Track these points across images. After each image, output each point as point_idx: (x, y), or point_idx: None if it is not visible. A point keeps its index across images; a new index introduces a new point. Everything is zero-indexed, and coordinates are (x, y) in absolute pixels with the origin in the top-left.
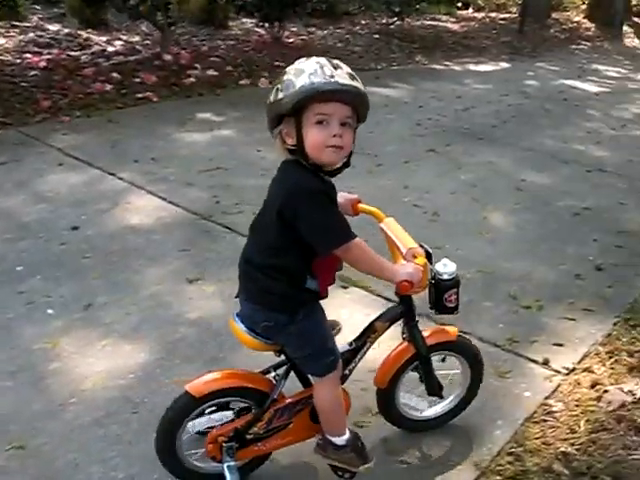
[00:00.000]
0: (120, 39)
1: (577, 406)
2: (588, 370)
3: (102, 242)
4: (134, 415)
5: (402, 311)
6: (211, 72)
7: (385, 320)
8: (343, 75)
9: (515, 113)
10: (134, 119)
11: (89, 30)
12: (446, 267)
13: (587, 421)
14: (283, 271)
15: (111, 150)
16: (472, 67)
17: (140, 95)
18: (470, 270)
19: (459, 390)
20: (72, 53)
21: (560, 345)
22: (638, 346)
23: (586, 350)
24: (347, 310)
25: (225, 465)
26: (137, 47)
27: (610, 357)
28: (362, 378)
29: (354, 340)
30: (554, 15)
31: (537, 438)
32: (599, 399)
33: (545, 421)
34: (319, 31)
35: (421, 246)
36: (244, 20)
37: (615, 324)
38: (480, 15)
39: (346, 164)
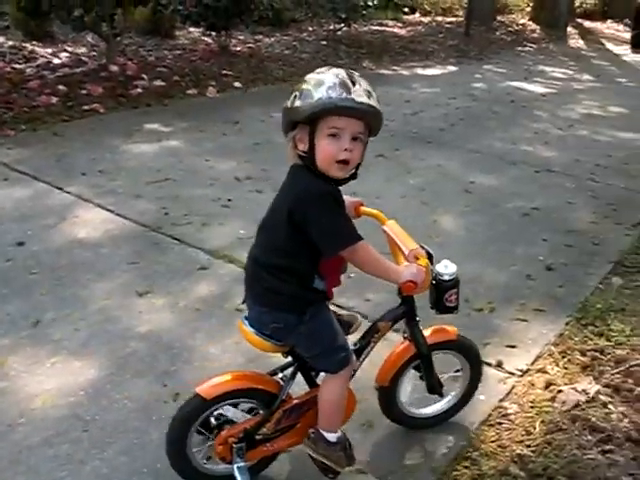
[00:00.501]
0: (66, 51)
1: (532, 407)
2: (542, 371)
3: (49, 257)
4: (85, 433)
5: (404, 311)
6: (158, 82)
7: (388, 320)
8: (360, 92)
9: (463, 116)
10: (81, 132)
11: (34, 42)
12: (447, 268)
13: (542, 422)
14: (292, 272)
15: (57, 164)
16: (420, 71)
17: (87, 107)
18: None
19: (458, 388)
20: (17, 66)
21: (513, 347)
22: (590, 345)
23: (539, 351)
24: None
25: (235, 466)
26: (83, 59)
27: (563, 357)
28: None
29: (358, 340)
30: (499, 18)
31: (493, 441)
32: (553, 399)
33: (500, 424)
34: (266, 39)
35: (422, 247)
36: (191, 29)
37: (567, 324)
38: (427, 19)
39: (353, 176)
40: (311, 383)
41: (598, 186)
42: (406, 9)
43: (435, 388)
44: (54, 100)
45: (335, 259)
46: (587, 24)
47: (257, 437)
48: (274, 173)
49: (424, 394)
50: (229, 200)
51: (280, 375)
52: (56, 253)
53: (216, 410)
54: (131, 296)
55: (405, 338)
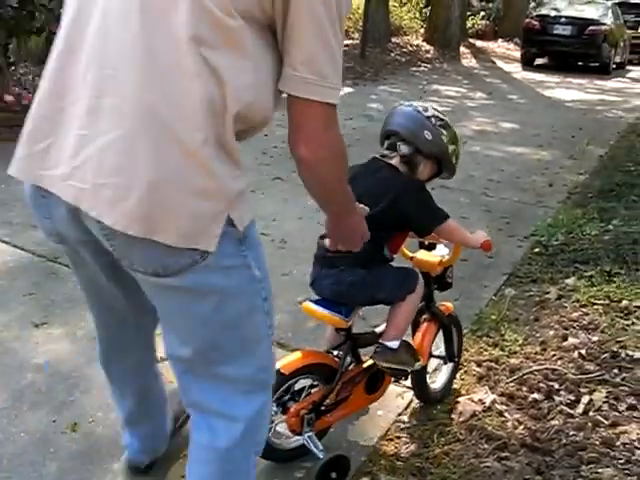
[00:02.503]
0: None
1: (430, 420)
2: None
3: None
4: None
5: (426, 293)
6: None
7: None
8: None
9: (360, 136)
10: None
11: None
12: (445, 250)
13: (440, 434)
14: (374, 242)
15: None
16: None
17: None
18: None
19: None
20: None
21: None
22: (485, 356)
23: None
24: None
25: (306, 435)
26: None
27: (460, 369)
28: None
29: None
30: (394, 39)
31: (391, 455)
32: (451, 411)
33: (399, 437)
34: None
35: None
36: None
37: (463, 336)
38: None
39: None
40: (358, 359)
41: (491, 200)
42: None
43: (454, 354)
44: None
45: (402, 236)
46: (479, 43)
47: (322, 408)
48: None
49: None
50: None
51: (335, 353)
52: None
53: (290, 384)
54: (28, 327)
55: (424, 320)
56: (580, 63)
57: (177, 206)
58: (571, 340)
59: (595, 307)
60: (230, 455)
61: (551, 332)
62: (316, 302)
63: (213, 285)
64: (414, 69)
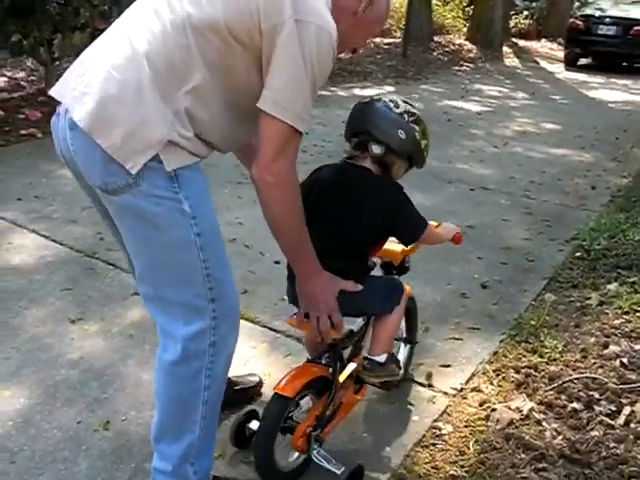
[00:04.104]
0: (4, 75)
1: (466, 427)
2: (476, 390)
3: None
4: (11, 465)
5: None
6: None
7: None
8: None
9: None
10: (17, 156)
11: None
12: None
13: (476, 442)
14: (361, 255)
15: None
16: (358, 92)
17: (24, 132)
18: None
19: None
20: None
21: (447, 366)
22: (524, 362)
23: (473, 369)
24: None
25: (315, 452)
26: (22, 83)
27: (497, 375)
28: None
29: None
30: (436, 38)
31: (426, 463)
32: (487, 418)
33: (434, 445)
34: None
35: None
36: None
37: (501, 341)
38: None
39: None
40: (343, 363)
41: (532, 202)
42: None
43: (414, 337)
44: None
45: (383, 242)
46: (522, 43)
47: (323, 421)
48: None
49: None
50: None
51: (323, 362)
52: None
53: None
54: (64, 323)
55: None
56: (625, 64)
57: (121, 120)
58: (612, 348)
59: (638, 314)
60: (174, 369)
61: (592, 339)
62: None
63: (146, 210)
64: (456, 68)
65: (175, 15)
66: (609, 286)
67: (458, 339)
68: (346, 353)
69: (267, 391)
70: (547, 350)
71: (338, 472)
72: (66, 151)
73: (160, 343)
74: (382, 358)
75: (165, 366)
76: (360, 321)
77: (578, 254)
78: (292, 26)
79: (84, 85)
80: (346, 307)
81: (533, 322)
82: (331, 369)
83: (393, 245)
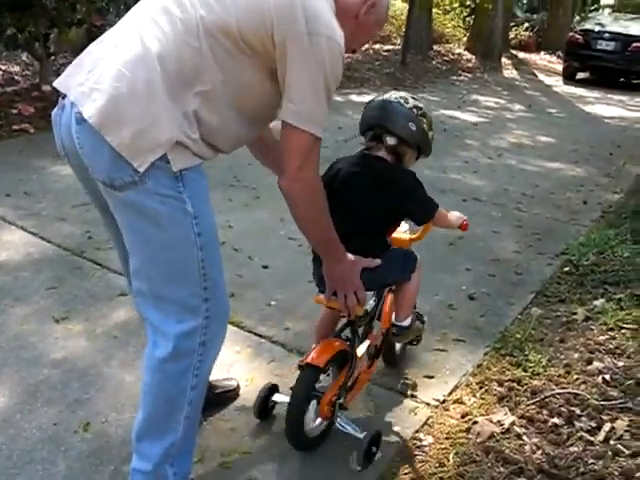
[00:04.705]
0: None
1: (447, 439)
2: (458, 402)
3: None
4: None
5: None
6: None
7: None
8: None
9: None
10: (8, 152)
11: None
12: (405, 226)
13: (456, 454)
14: (383, 234)
15: None
16: (354, 98)
17: (16, 127)
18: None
19: None
20: None
21: (431, 377)
22: (508, 375)
23: (457, 381)
24: None
25: (339, 420)
26: (16, 77)
27: (480, 387)
28: (231, 418)
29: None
30: (436, 47)
31: (406, 474)
32: (468, 431)
33: (415, 456)
34: None
35: None
36: None
37: (486, 354)
38: (365, 47)
39: None
40: (357, 338)
41: (524, 215)
42: None
43: None
44: None
45: (397, 224)
46: (521, 55)
47: (344, 391)
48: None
49: None
50: None
51: (343, 337)
52: None
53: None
54: (48, 322)
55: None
56: (622, 79)
57: (131, 118)
58: (596, 364)
59: (623, 331)
60: (163, 367)
61: (576, 355)
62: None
63: (149, 207)
64: (454, 78)
65: (187, 15)
66: (595, 302)
67: (443, 350)
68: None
69: (248, 396)
70: (531, 364)
71: (360, 436)
72: (69, 143)
73: (150, 340)
74: (407, 322)
75: (155, 362)
76: (372, 302)
77: (566, 269)
78: (306, 41)
79: (93, 81)
80: (368, 281)
81: (518, 335)
82: (350, 343)
83: (401, 234)
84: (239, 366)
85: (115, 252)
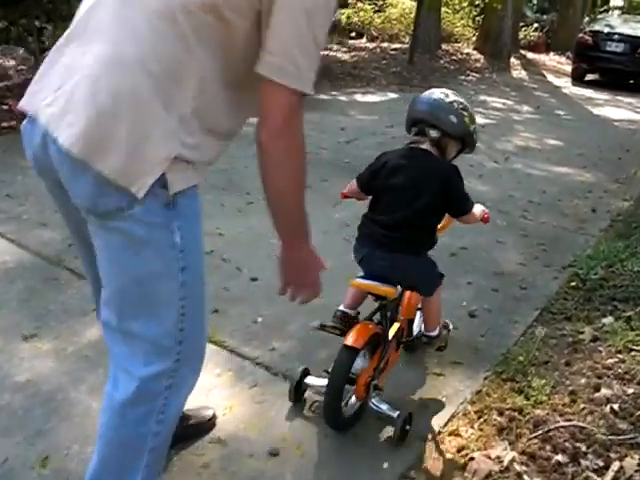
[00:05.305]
0: None
1: (441, 477)
2: (455, 433)
3: None
4: None
5: None
6: None
7: None
8: None
9: (399, 145)
10: None
11: None
12: None
13: None
14: (431, 227)
15: None
16: (359, 98)
17: (5, 124)
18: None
19: None
20: None
21: (426, 406)
22: (509, 403)
23: (454, 410)
24: None
25: (373, 400)
26: (10, 72)
27: (479, 417)
28: (204, 452)
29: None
30: (444, 46)
31: None
32: (464, 468)
33: None
34: None
35: None
36: None
37: (486, 378)
38: (372, 45)
39: None
40: (388, 322)
41: (530, 224)
42: (353, 34)
43: None
44: None
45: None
46: (530, 55)
47: (378, 372)
48: None
49: None
50: None
51: (375, 320)
52: None
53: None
54: (16, 340)
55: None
56: (632, 81)
57: (119, 139)
58: (604, 391)
59: (632, 354)
60: (123, 411)
61: (582, 380)
62: (363, 277)
63: (133, 235)
64: (462, 78)
65: (158, 3)
66: (604, 320)
67: (440, 375)
68: None
69: (225, 427)
70: (534, 392)
71: (394, 415)
72: (44, 161)
73: (111, 377)
74: (435, 332)
75: (113, 404)
76: (399, 288)
77: (573, 283)
78: None
79: (65, 100)
80: (406, 280)
81: (521, 358)
82: (382, 326)
83: None
84: (218, 392)
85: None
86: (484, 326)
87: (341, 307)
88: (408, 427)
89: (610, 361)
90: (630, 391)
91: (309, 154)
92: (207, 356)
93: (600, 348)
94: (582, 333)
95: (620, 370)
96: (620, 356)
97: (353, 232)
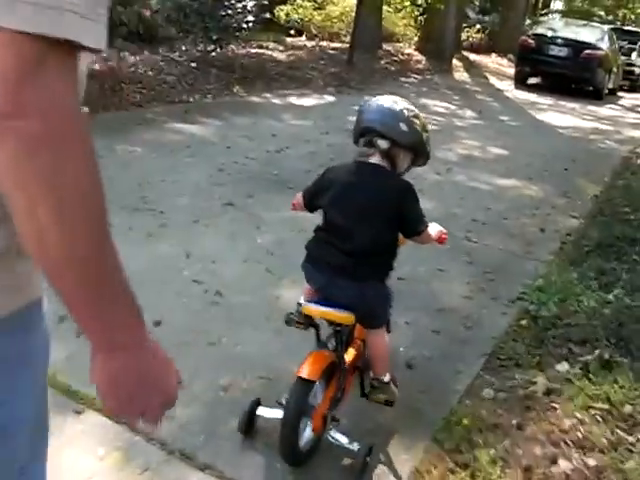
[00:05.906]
0: None
1: None
2: None
3: None
4: None
5: None
6: None
7: None
8: None
9: (333, 155)
10: None
11: None
12: None
13: None
14: (391, 254)
15: None
16: (294, 100)
17: None
18: (247, 376)
19: None
20: None
21: None
22: None
23: None
24: (75, 449)
25: (331, 432)
26: None
27: None
28: None
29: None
30: (385, 46)
31: None
32: None
33: None
34: (132, 57)
35: None
36: None
37: (426, 451)
38: (311, 44)
39: None
40: (344, 346)
41: (474, 247)
42: (292, 32)
43: None
44: None
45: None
46: (473, 57)
47: (336, 401)
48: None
49: None
50: None
51: (330, 348)
52: None
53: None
54: None
55: None
56: (573, 86)
57: None
58: (562, 464)
59: (592, 412)
60: None
61: (537, 449)
62: (316, 303)
63: None
64: (403, 79)
65: None
66: (558, 366)
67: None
68: None
69: None
70: (482, 471)
71: (354, 447)
72: None
73: None
74: (387, 378)
75: None
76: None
77: (524, 322)
78: None
79: None
80: (364, 306)
81: (466, 421)
82: (337, 352)
83: None
84: (99, 479)
85: None
86: (424, 379)
87: (301, 300)
88: (368, 459)
89: (567, 422)
90: (592, 463)
91: (236, 165)
92: (90, 430)
93: (555, 404)
94: (534, 384)
95: (579, 434)
96: (578, 415)
97: (277, 262)
